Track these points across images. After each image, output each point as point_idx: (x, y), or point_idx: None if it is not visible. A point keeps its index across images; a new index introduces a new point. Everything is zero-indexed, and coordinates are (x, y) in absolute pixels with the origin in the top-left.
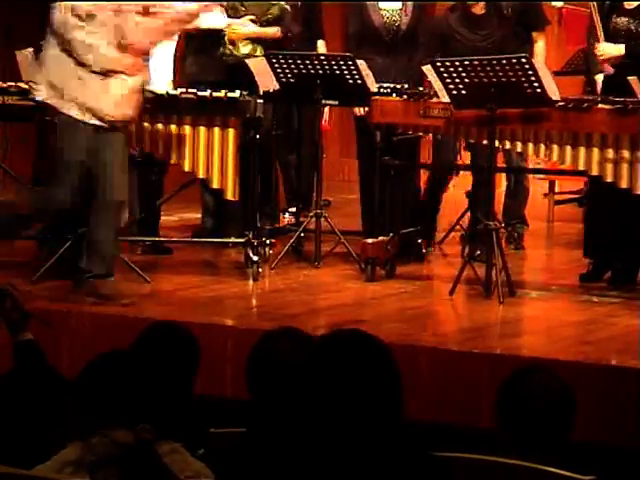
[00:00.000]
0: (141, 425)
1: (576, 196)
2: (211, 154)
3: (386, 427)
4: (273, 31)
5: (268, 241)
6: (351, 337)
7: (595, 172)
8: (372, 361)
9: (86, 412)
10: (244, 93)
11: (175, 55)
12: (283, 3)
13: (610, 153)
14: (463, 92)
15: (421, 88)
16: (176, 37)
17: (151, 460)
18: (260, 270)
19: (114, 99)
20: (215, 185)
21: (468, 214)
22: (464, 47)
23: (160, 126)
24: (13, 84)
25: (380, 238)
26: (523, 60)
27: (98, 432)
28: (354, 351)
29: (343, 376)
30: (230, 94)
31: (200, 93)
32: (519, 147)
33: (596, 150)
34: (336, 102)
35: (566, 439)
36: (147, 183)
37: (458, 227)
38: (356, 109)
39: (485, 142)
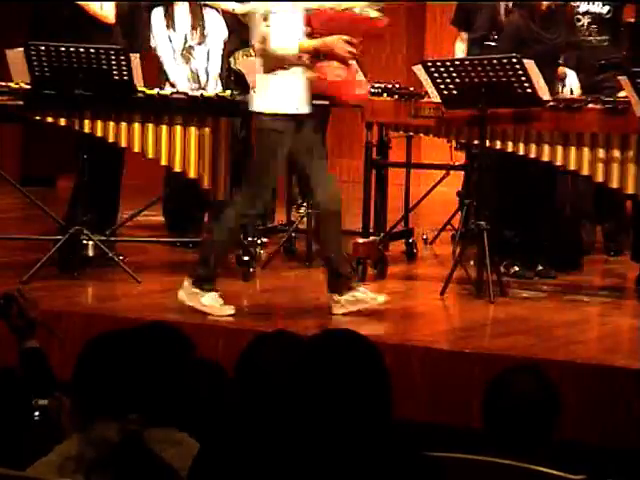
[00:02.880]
0: (128, 417)
1: None
2: (202, 154)
3: (376, 427)
4: None
5: (260, 241)
6: (340, 337)
7: (586, 172)
8: (361, 361)
9: (83, 403)
10: (235, 93)
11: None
12: None
13: (601, 153)
14: (454, 92)
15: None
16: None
17: (141, 452)
18: (251, 270)
19: None
20: (205, 185)
21: (459, 214)
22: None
23: (151, 126)
24: (3, 84)
25: (371, 238)
26: (514, 60)
27: (94, 425)
28: (343, 351)
29: (332, 376)
30: (221, 94)
31: (191, 93)
32: (510, 147)
33: (587, 150)
34: (327, 102)
35: (549, 439)
36: None
37: (449, 227)
38: None
39: (476, 142)
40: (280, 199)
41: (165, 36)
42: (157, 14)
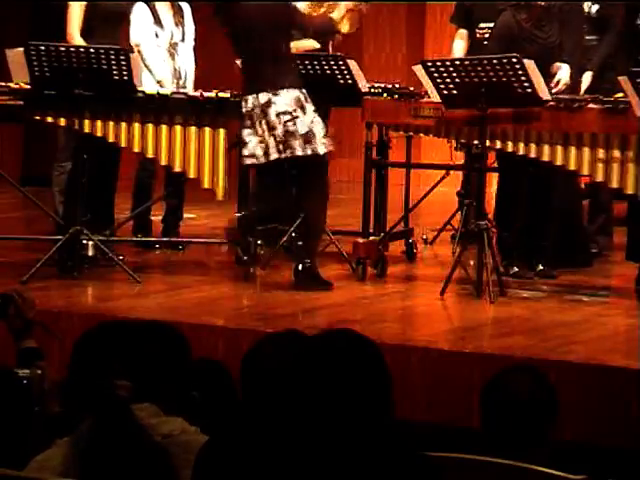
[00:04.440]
0: (119, 382)
1: None
2: (202, 154)
3: (376, 427)
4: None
5: (259, 241)
6: (342, 337)
7: (586, 172)
8: (363, 361)
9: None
10: (235, 93)
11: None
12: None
13: (601, 153)
14: (454, 92)
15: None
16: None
17: (127, 419)
18: (251, 270)
19: None
20: (206, 185)
21: (459, 214)
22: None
23: (151, 126)
24: (3, 84)
25: (371, 238)
26: (514, 60)
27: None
28: (345, 351)
29: (333, 376)
30: (221, 94)
31: (191, 93)
32: (510, 147)
33: (587, 150)
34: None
35: (546, 439)
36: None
37: (449, 227)
38: None
39: (476, 142)
40: None
41: (151, 32)
42: (140, 9)
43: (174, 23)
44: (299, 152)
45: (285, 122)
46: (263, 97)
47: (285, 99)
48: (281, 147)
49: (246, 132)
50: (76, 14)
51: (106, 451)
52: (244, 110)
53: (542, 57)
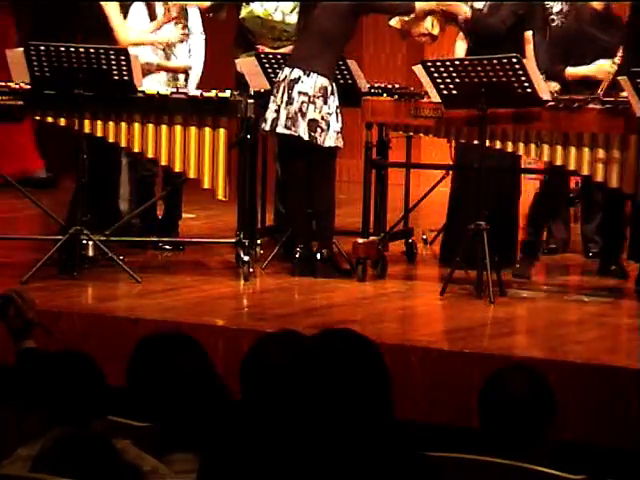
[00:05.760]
0: (95, 420)
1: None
2: (202, 154)
3: (376, 427)
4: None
5: (259, 241)
6: (341, 337)
7: (585, 172)
8: (362, 361)
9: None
10: (235, 93)
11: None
12: None
13: (600, 153)
14: (454, 92)
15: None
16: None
17: (109, 455)
18: (251, 270)
19: None
20: (206, 185)
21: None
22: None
23: (151, 126)
24: (3, 84)
25: (371, 238)
26: (514, 60)
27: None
28: (344, 351)
29: (333, 376)
30: (221, 94)
31: (191, 93)
32: (510, 147)
33: (586, 150)
34: None
35: (543, 438)
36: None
37: None
38: None
39: (476, 142)
40: None
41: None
42: (137, 9)
43: (173, 23)
44: (301, 133)
45: (301, 102)
46: (295, 73)
47: (311, 83)
48: (289, 123)
49: (271, 98)
50: (116, 15)
51: (77, 465)
52: (278, 78)
53: (600, 58)
